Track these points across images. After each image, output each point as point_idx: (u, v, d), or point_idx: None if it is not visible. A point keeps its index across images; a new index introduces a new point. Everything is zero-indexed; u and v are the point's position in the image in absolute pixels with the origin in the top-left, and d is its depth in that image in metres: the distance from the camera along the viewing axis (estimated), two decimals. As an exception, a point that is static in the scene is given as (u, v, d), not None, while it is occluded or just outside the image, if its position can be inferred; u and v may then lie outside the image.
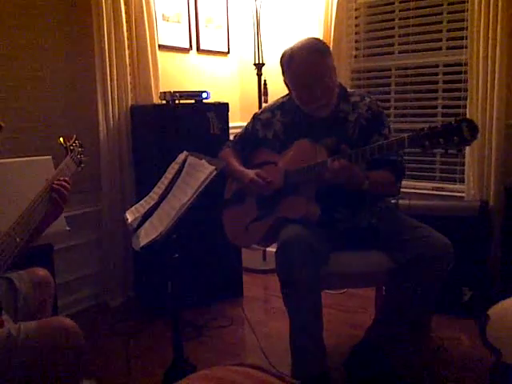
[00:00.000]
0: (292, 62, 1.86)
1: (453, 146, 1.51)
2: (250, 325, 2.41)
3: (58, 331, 1.22)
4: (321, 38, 3.02)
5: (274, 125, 2.04)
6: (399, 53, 3.05)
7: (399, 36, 3.04)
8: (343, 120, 1.92)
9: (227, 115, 2.78)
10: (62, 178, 1.47)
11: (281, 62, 1.93)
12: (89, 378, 1.76)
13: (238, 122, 3.32)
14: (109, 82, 2.65)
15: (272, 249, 3.27)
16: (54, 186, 1.42)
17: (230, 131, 2.75)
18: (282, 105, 2.06)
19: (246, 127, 2.18)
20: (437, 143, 1.52)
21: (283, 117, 2.02)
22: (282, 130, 2.02)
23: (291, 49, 1.89)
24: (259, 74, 3.28)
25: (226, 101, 2.82)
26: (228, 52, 3.57)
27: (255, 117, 2.14)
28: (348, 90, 2.01)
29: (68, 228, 2.09)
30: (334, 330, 2.37)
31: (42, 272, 1.60)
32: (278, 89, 3.21)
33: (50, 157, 2.08)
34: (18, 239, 1.24)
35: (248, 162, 2.12)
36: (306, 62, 1.82)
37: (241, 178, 2.04)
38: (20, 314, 1.45)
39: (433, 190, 2.88)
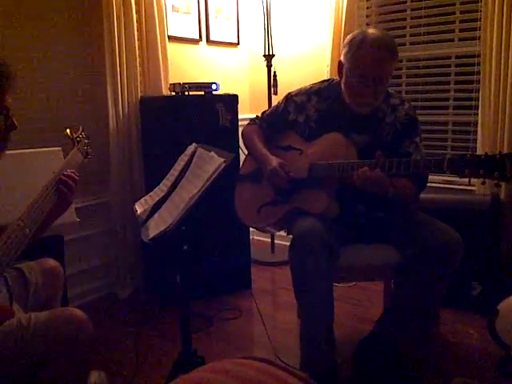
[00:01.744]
0: (362, 47, 1.76)
1: (491, 179, 1.48)
2: (261, 317, 2.42)
3: (68, 322, 1.23)
4: (329, 29, 3.04)
5: (308, 110, 1.98)
6: (411, 44, 3.02)
7: (411, 27, 3.01)
8: (380, 120, 1.89)
9: (236, 107, 2.77)
10: (69, 170, 1.47)
11: (349, 41, 1.81)
12: (98, 369, 1.77)
13: (247, 113, 3.30)
14: (118, 74, 2.65)
15: (280, 241, 3.29)
16: (62, 177, 1.42)
17: (239, 123, 2.74)
18: (319, 91, 1.99)
19: (277, 106, 2.11)
20: (476, 173, 1.48)
21: (319, 103, 1.97)
22: (314, 117, 1.96)
23: (364, 33, 1.78)
24: (269, 66, 3.26)
25: (235, 92, 2.80)
26: (238, 43, 3.55)
27: (289, 97, 2.06)
28: (389, 90, 1.95)
29: (78, 219, 2.10)
30: (343, 323, 2.36)
31: (52, 263, 1.62)
32: (287, 80, 3.21)
33: (59, 148, 2.09)
34: (27, 230, 1.24)
35: (272, 143, 2.08)
36: (375, 57, 1.74)
37: (263, 163, 1.99)
38: (30, 305, 1.46)
39: (443, 183, 2.85)
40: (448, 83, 2.92)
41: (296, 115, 2.01)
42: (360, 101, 1.83)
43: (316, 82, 2.06)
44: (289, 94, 2.09)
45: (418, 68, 3.01)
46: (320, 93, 1.99)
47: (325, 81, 2.03)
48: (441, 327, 2.27)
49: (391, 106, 1.91)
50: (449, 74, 2.90)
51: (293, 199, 1.92)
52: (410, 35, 3.01)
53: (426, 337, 2.16)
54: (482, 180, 1.52)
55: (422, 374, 1.92)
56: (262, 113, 2.21)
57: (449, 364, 2.03)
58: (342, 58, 1.86)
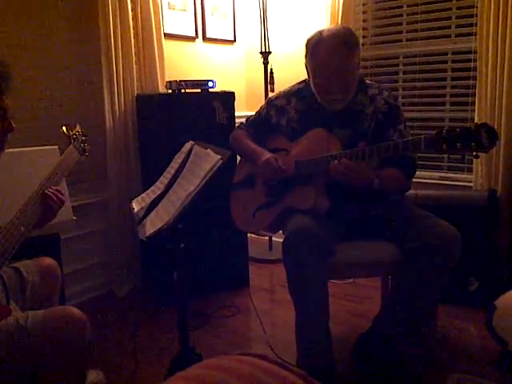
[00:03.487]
0: (318, 48, 1.78)
1: (470, 151, 1.48)
2: (258, 314, 2.43)
3: (65, 320, 1.23)
4: (326, 25, 3.03)
5: (288, 112, 2.00)
6: (407, 40, 3.01)
7: (407, 23, 3.00)
8: (359, 112, 1.88)
9: (233, 104, 2.76)
10: (54, 189, 1.42)
11: (306, 44, 1.84)
12: (95, 368, 1.77)
13: (244, 111, 3.30)
14: (114, 71, 2.64)
15: (278, 239, 3.29)
16: (48, 193, 1.38)
17: (236, 120, 2.74)
18: (297, 92, 2.01)
19: (260, 111, 2.14)
20: (454, 147, 1.48)
21: (298, 104, 1.98)
22: (295, 118, 1.98)
23: (320, 34, 1.79)
24: (265, 63, 3.25)
25: (232, 90, 2.80)
26: (234, 40, 3.55)
27: (269, 102, 2.09)
28: (367, 81, 1.96)
29: (75, 218, 2.10)
30: (340, 319, 2.37)
31: (49, 261, 1.61)
32: (284, 77, 3.20)
33: (56, 147, 2.07)
34: (22, 228, 1.24)
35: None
36: (332, 54, 1.74)
37: (256, 157, 1.99)
38: (27, 303, 1.46)
39: (440, 179, 2.85)
40: (445, 79, 2.92)
41: (278, 119, 2.03)
42: (329, 99, 1.84)
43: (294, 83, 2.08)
44: (269, 98, 2.12)
45: (415, 64, 3.01)
46: (298, 94, 2.00)
47: (302, 81, 2.03)
48: (438, 323, 2.27)
49: (370, 97, 1.90)
50: (445, 71, 2.90)
51: (283, 199, 1.94)
52: (407, 31, 3.01)
53: (424, 333, 2.16)
54: (460, 155, 1.53)
55: (420, 370, 1.93)
56: (247, 119, 2.23)
57: (446, 360, 2.03)
58: (305, 61, 1.87)
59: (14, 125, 1.33)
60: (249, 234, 3.00)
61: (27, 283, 1.49)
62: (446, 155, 2.92)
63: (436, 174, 2.87)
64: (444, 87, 2.93)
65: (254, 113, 2.21)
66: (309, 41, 1.83)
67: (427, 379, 1.90)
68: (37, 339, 1.19)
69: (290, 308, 1.83)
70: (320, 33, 1.80)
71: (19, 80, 2.36)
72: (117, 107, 2.69)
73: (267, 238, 3.43)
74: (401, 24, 3.03)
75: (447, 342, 2.18)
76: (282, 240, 1.77)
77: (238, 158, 2.26)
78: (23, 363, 1.17)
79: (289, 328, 2.21)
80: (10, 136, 1.35)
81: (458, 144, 1.48)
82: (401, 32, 3.04)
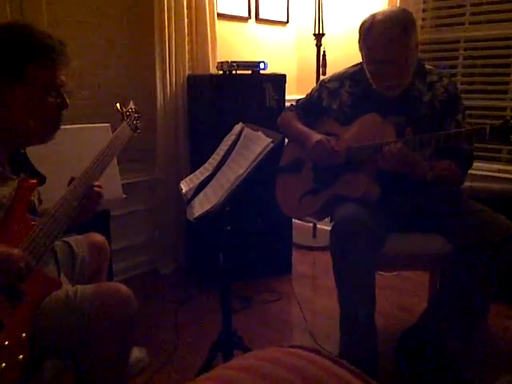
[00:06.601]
0: (370, 33, 1.70)
1: None
2: (298, 301, 2.41)
3: (113, 296, 1.24)
4: (384, 6, 2.91)
5: (341, 95, 1.94)
6: (470, 24, 2.85)
7: (471, 5, 2.84)
8: (416, 99, 1.80)
9: (284, 87, 2.72)
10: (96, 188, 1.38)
11: (360, 28, 1.77)
12: (139, 345, 1.80)
13: (294, 94, 3.24)
14: (167, 52, 2.64)
15: (322, 226, 3.24)
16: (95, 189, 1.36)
17: (286, 104, 2.69)
18: (352, 75, 1.94)
19: (311, 93, 2.09)
20: None
21: (352, 88, 1.92)
22: (348, 102, 1.92)
23: (373, 17, 1.71)
24: (318, 45, 3.17)
25: (283, 72, 2.75)
26: (287, 21, 3.48)
27: (322, 84, 2.03)
28: (426, 66, 1.87)
29: (124, 196, 2.13)
30: (384, 312, 2.31)
31: (98, 237, 1.64)
32: (337, 60, 3.11)
33: (108, 124, 2.10)
34: (75, 203, 1.27)
35: None
36: (384, 38, 1.66)
37: (306, 139, 1.94)
38: (76, 278, 1.50)
39: (498, 172, 2.71)
40: (508, 66, 2.75)
41: (330, 102, 1.97)
42: (385, 85, 1.76)
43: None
44: (322, 80, 2.06)
45: (476, 49, 2.85)
46: (352, 77, 1.93)
47: (357, 64, 1.96)
48: (490, 322, 2.18)
49: (428, 84, 1.81)
50: (509, 56, 2.73)
51: (332, 186, 1.89)
52: (470, 14, 2.85)
53: (474, 331, 2.08)
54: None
55: (469, 370, 1.85)
56: (297, 101, 2.17)
57: (497, 360, 1.95)
58: (358, 45, 1.80)
59: (68, 101, 1.34)
60: (293, 220, 2.97)
61: (77, 258, 1.52)
62: (505, 147, 2.77)
63: (494, 167, 2.73)
64: (508, 74, 2.76)
65: (304, 96, 2.16)
66: (362, 25, 1.76)
67: (475, 380, 1.82)
68: (85, 313, 1.21)
69: (332, 296, 1.80)
70: (373, 16, 1.72)
71: (73, 57, 2.41)
72: (168, 87, 2.69)
73: (311, 224, 3.39)
74: (464, 6, 2.87)
75: (499, 341, 2.09)
76: (326, 227, 1.74)
77: (286, 140, 2.22)
78: (70, 336, 1.20)
79: (330, 316, 2.19)
80: (64, 113, 1.37)
81: None
82: (463, 14, 2.88)
